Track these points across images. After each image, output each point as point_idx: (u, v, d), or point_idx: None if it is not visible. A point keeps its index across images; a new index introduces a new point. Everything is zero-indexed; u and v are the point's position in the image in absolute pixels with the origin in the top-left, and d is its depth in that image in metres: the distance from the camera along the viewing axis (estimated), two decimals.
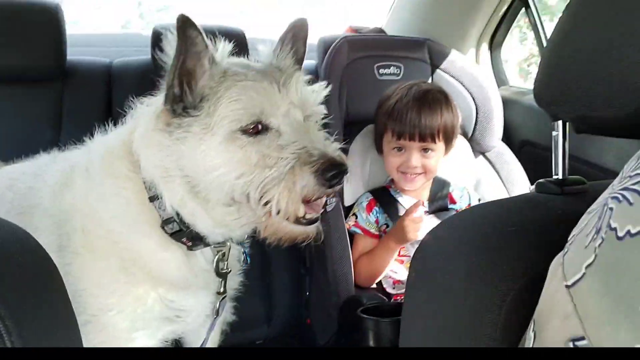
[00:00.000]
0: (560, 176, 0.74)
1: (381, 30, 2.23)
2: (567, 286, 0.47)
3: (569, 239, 0.52)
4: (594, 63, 0.62)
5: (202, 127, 0.95)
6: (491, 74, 2.21)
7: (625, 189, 0.47)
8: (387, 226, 1.68)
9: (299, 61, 1.12)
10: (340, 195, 1.68)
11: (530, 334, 0.51)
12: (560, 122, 0.73)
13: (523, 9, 2.05)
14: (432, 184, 1.71)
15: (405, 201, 1.69)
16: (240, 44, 1.57)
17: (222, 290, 1.16)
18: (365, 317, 1.27)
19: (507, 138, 2.00)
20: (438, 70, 1.98)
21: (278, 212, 0.94)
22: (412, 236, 1.52)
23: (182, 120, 0.96)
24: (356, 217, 1.70)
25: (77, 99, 1.86)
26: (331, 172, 0.93)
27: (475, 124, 1.90)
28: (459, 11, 2.09)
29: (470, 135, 1.91)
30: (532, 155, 1.96)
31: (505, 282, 0.56)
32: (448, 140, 1.64)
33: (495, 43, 2.21)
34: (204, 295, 1.16)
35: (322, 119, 1.11)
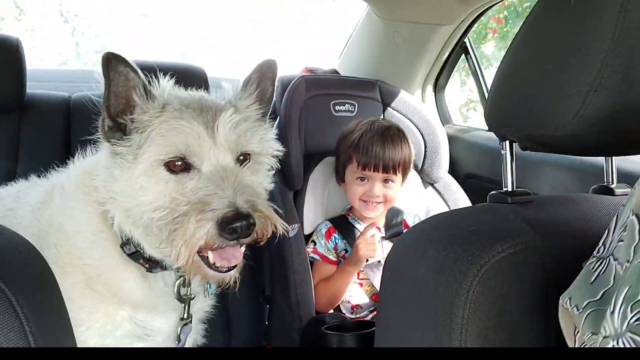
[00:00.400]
0: (509, 188, 0.86)
1: (335, 71, 2.38)
2: None
3: None
4: (533, 90, 0.75)
5: (133, 155, 0.98)
6: (436, 114, 2.40)
7: None
8: (346, 252, 1.77)
9: (268, 101, 1.16)
10: (300, 222, 1.75)
11: None
12: (507, 142, 0.85)
13: (463, 56, 2.27)
14: (387, 212, 1.82)
15: (363, 228, 1.78)
16: (199, 81, 1.68)
17: (185, 316, 1.16)
18: (329, 332, 1.32)
19: (453, 171, 2.16)
20: (389, 108, 2.14)
21: (177, 257, 0.94)
22: (365, 254, 1.63)
23: (114, 149, 1.00)
24: (315, 244, 1.77)
25: (35, 132, 1.85)
26: (232, 225, 0.90)
27: (425, 157, 2.05)
28: (405, 56, 2.27)
29: (420, 167, 2.05)
30: (475, 186, 2.12)
31: (470, 271, 0.65)
32: (405, 173, 1.79)
33: (439, 85, 2.41)
34: (174, 317, 1.17)
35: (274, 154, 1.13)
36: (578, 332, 0.59)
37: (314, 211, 1.88)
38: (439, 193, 2.05)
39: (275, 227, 1.01)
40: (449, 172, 2.10)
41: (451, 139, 2.17)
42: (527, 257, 0.70)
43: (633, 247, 0.55)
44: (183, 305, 1.15)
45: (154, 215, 0.97)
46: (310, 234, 1.83)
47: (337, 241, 1.79)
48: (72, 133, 1.88)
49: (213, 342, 1.82)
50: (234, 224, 0.90)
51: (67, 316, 0.71)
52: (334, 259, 1.76)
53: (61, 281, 1.03)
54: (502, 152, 0.87)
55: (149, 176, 0.97)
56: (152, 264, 1.09)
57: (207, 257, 0.98)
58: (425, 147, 2.06)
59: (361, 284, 1.72)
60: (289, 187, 1.82)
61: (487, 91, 2.25)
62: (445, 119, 2.45)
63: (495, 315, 0.67)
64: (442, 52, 2.22)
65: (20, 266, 0.65)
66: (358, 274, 1.69)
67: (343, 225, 1.82)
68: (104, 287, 1.07)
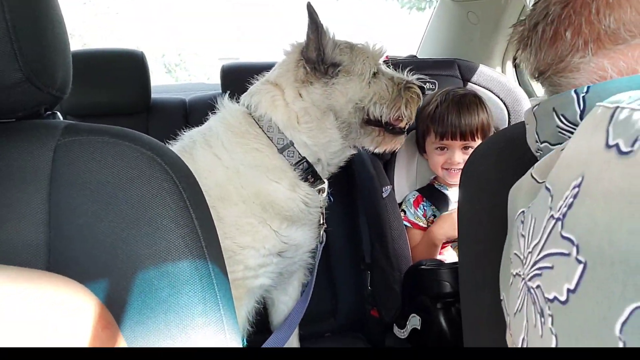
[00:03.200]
0: None
1: (413, 57, 2.52)
2: None
3: None
4: None
5: (347, 74, 1.38)
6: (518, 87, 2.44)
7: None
8: (434, 217, 1.85)
9: None
10: (392, 185, 1.88)
11: None
12: None
13: None
14: None
15: (450, 193, 1.87)
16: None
17: (322, 221, 1.47)
18: (426, 268, 1.44)
19: None
20: (469, 83, 2.22)
21: (404, 115, 1.46)
22: (446, 232, 1.71)
23: (333, 71, 1.37)
24: (404, 213, 1.88)
25: (161, 130, 2.17)
26: (422, 90, 1.49)
27: (509, 124, 2.11)
28: (482, 34, 2.36)
29: None
30: None
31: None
32: (485, 137, 1.82)
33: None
34: (307, 230, 1.44)
35: None
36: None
37: (404, 182, 2.00)
38: None
39: None
40: None
41: None
42: None
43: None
44: (320, 214, 1.47)
45: (376, 104, 1.42)
46: (399, 205, 1.95)
47: (425, 208, 1.87)
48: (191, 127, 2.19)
49: (322, 309, 2.01)
50: (423, 89, 1.51)
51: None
52: (424, 225, 1.85)
53: (225, 213, 1.29)
54: None
55: (366, 83, 1.41)
56: (316, 177, 1.42)
57: (388, 126, 1.48)
58: (509, 115, 2.12)
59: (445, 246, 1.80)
60: (379, 157, 1.96)
61: None
62: (528, 92, 2.48)
63: None
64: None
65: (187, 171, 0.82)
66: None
67: (431, 192, 1.91)
68: (272, 208, 1.34)
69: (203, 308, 0.63)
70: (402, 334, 1.64)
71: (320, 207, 1.44)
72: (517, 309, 0.54)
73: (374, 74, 1.43)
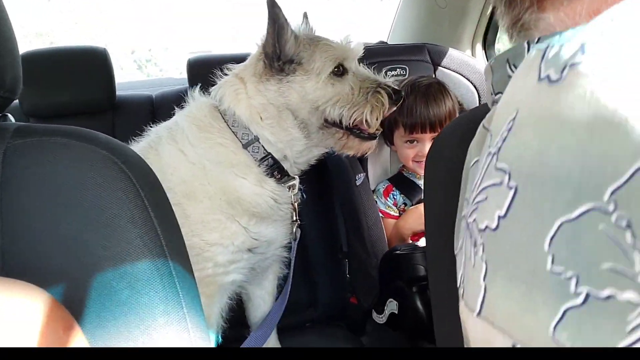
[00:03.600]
0: None
1: (384, 43, 2.52)
2: None
3: None
4: None
5: (304, 72, 1.31)
6: None
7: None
8: (406, 205, 1.85)
9: None
10: (365, 173, 1.88)
11: None
12: None
13: None
14: None
15: (420, 182, 1.86)
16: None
17: (295, 218, 1.43)
18: (400, 253, 1.45)
19: None
20: (439, 67, 2.23)
21: (367, 123, 1.34)
22: (412, 226, 1.72)
23: (290, 68, 1.31)
24: (375, 202, 1.88)
25: (127, 127, 2.12)
26: (397, 94, 1.36)
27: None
28: (450, 18, 2.37)
29: None
30: None
31: None
32: None
33: (488, 41, 2.47)
34: (280, 226, 1.41)
35: None
36: None
37: (379, 170, 2.01)
38: None
39: None
40: None
41: None
42: None
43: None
44: (293, 210, 1.42)
45: (335, 106, 1.32)
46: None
47: (395, 197, 1.86)
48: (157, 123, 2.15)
49: (301, 299, 2.01)
50: (397, 94, 1.36)
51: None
52: (397, 214, 1.85)
53: (191, 211, 1.27)
54: None
55: (327, 82, 1.32)
56: (283, 174, 1.37)
57: (356, 131, 1.38)
58: (479, 97, 2.14)
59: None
60: None
61: None
62: None
63: None
64: (485, 7, 2.29)
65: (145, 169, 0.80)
66: None
67: (400, 181, 1.90)
68: (239, 205, 1.31)
69: (165, 307, 0.62)
70: (380, 319, 1.65)
71: (292, 204, 1.40)
72: (458, 248, 0.55)
73: (340, 73, 1.34)
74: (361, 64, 1.44)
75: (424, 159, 1.71)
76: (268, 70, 1.31)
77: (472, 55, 2.46)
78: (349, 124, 1.35)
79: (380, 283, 1.65)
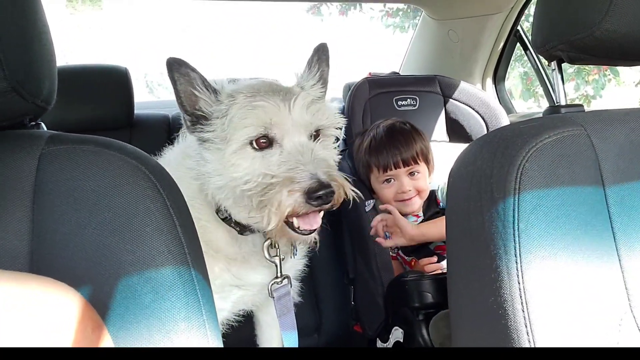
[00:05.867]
0: (562, 103, 0.99)
1: (396, 73, 2.57)
2: None
3: None
4: None
5: (220, 139, 1.12)
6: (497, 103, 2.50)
7: None
8: (399, 249, 1.83)
9: (325, 81, 1.28)
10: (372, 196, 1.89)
11: None
12: (555, 62, 0.99)
13: (518, 44, 2.39)
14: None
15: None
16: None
17: (278, 274, 1.27)
18: (408, 279, 1.45)
19: None
20: (450, 100, 2.28)
21: (268, 223, 1.07)
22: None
23: (205, 134, 1.14)
24: None
25: (144, 146, 2.16)
26: (317, 193, 1.04)
27: None
28: (462, 51, 2.43)
29: None
30: None
31: (521, 152, 0.80)
32: (427, 161, 1.80)
33: (498, 77, 2.53)
34: (265, 273, 1.31)
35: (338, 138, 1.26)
36: None
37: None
38: None
39: (346, 194, 1.14)
40: None
41: None
42: (576, 141, 0.83)
43: None
44: (275, 265, 1.27)
45: (245, 187, 1.10)
46: None
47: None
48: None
49: (305, 324, 2.00)
50: (318, 193, 1.04)
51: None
52: (393, 254, 1.84)
53: None
54: (551, 70, 1.00)
55: (239, 154, 1.11)
56: (242, 228, 1.23)
57: (292, 222, 1.12)
58: (488, 129, 2.17)
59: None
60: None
61: (545, 76, 2.34)
62: (507, 108, 2.54)
63: (544, 186, 0.79)
64: (497, 43, 2.35)
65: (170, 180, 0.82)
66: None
67: None
68: (205, 244, 1.16)
69: (186, 313, 0.64)
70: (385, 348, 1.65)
71: (267, 257, 1.26)
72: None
73: (265, 147, 1.11)
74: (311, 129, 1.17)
75: (405, 195, 1.73)
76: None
77: (482, 89, 2.51)
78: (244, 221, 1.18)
79: (386, 310, 1.65)
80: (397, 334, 1.57)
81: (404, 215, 1.81)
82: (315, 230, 1.15)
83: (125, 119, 2.15)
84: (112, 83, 2.11)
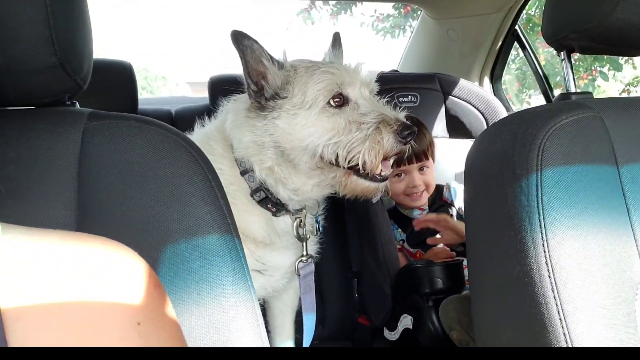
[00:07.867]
0: (572, 90, 1.03)
1: (396, 71, 2.62)
2: None
3: None
4: None
5: (294, 106, 1.18)
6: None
7: None
8: (404, 241, 1.88)
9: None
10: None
11: None
12: (564, 52, 1.03)
13: (515, 42, 2.45)
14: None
15: (414, 214, 1.89)
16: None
17: (305, 253, 1.34)
18: (418, 265, 1.48)
19: None
20: (449, 97, 2.32)
21: (364, 165, 1.16)
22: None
23: (275, 103, 1.19)
24: (390, 221, 1.89)
25: None
26: (406, 131, 1.16)
27: None
28: (461, 50, 2.48)
29: None
30: None
31: (540, 132, 0.83)
32: (433, 156, 1.87)
33: (495, 75, 2.58)
34: (289, 256, 1.35)
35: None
36: None
37: None
38: None
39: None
40: None
41: None
42: (590, 123, 0.87)
43: None
44: (302, 244, 1.33)
45: (329, 144, 1.17)
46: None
47: (393, 230, 1.86)
48: None
49: None
50: (407, 131, 1.17)
51: None
52: (398, 246, 1.87)
53: None
54: (561, 60, 1.05)
55: (320, 115, 1.18)
56: (279, 208, 1.28)
57: (359, 170, 1.20)
58: (487, 125, 2.22)
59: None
60: None
61: (542, 74, 2.40)
62: (505, 107, 2.60)
63: (564, 163, 0.83)
64: (495, 42, 2.41)
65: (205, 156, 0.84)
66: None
67: (396, 215, 1.93)
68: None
69: (233, 278, 0.66)
70: (393, 336, 1.67)
71: (300, 237, 1.32)
72: None
73: (340, 104, 1.19)
74: (372, 93, 1.29)
75: (415, 190, 1.80)
76: (254, 106, 1.23)
77: (480, 85, 2.57)
78: (345, 166, 1.19)
79: (394, 299, 1.68)
80: (405, 322, 1.60)
81: (411, 208, 1.86)
82: (387, 177, 1.25)
83: (129, 112, 2.16)
84: (117, 77, 2.13)
